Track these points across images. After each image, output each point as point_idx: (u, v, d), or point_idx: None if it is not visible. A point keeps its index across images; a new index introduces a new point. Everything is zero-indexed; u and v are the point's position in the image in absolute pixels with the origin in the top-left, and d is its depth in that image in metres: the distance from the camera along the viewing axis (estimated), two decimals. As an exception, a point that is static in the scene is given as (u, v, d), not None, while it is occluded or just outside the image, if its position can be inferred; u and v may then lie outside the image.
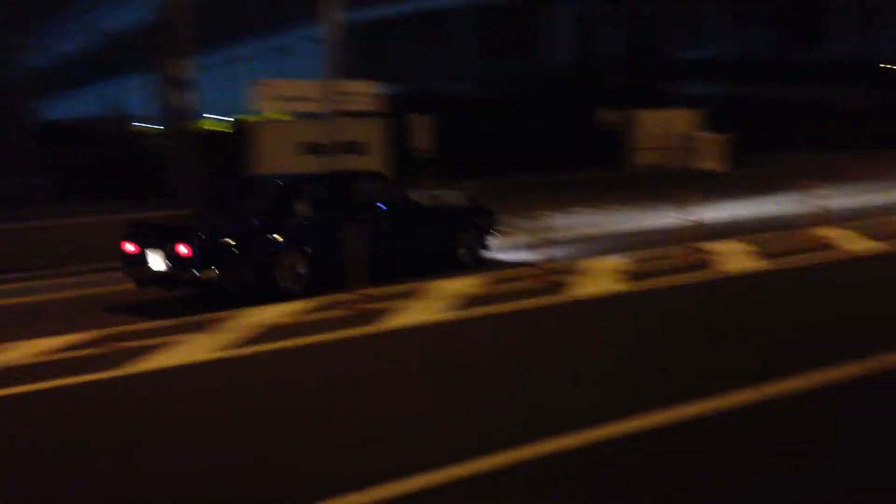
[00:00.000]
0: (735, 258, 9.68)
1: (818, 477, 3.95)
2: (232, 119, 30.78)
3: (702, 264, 9.33)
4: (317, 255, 8.79)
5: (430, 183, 16.30)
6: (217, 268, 7.93)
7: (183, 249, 8.06)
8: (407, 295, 8.37)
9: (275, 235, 8.68)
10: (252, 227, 8.76)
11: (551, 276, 8.81)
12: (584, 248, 11.73)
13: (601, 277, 8.84)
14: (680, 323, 7.21)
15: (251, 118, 21.78)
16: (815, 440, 4.41)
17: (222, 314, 7.86)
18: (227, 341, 6.98)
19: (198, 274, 7.98)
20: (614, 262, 9.81)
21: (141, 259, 8.58)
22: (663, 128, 34.84)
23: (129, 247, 8.74)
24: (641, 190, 22.50)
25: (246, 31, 48.88)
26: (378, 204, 9.60)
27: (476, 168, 32.00)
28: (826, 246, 10.32)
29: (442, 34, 51.94)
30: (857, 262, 9.59)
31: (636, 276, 8.88)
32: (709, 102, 44.27)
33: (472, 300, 8.10)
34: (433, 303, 8.06)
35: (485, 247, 11.02)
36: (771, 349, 6.17)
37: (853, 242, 10.63)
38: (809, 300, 7.81)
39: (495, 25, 52.51)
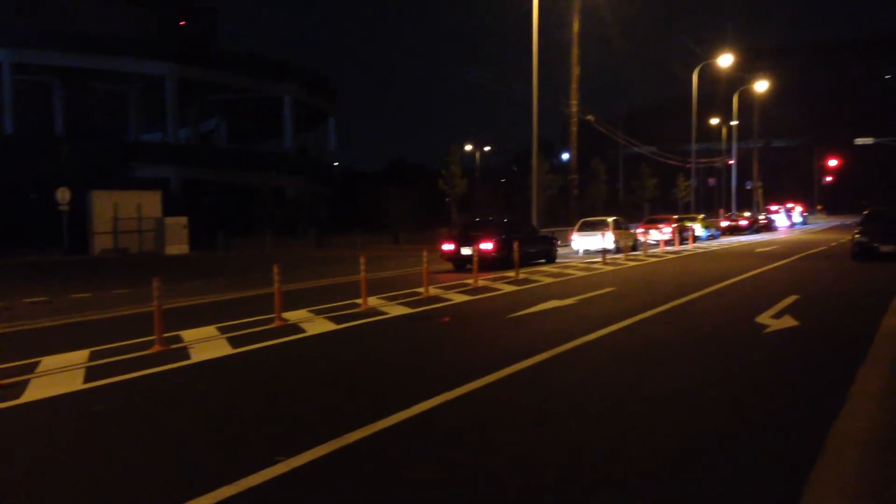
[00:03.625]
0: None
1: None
2: None
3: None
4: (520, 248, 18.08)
5: None
6: (499, 252, 19.28)
7: (489, 245, 19.14)
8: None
9: (510, 240, 18.53)
10: (504, 237, 19.37)
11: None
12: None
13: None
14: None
15: None
16: None
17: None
18: None
19: (496, 255, 19.10)
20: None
21: (457, 250, 19.45)
22: (124, 210, 33.50)
23: (448, 245, 19.95)
24: (105, 276, 21.40)
25: None
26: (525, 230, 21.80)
27: None
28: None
29: None
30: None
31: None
32: (166, 185, 44.15)
33: None
34: None
35: None
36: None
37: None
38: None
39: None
